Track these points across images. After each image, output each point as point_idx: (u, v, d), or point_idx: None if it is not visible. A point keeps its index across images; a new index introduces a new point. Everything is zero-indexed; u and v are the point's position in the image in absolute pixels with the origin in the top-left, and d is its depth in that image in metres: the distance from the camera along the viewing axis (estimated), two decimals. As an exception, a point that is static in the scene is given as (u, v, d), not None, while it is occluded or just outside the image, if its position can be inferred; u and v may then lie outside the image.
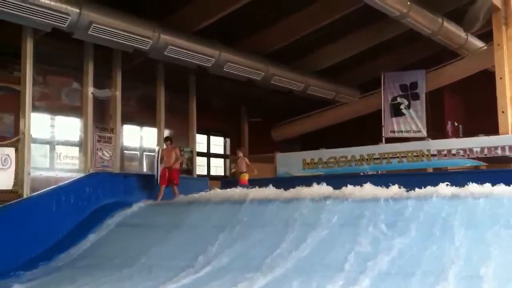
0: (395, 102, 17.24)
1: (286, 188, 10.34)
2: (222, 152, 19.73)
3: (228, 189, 11.59)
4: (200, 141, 18.18)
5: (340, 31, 16.43)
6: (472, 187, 8.53)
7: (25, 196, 10.69)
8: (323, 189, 9.87)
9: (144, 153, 13.23)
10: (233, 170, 13.70)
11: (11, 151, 10.61)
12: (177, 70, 14.67)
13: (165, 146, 12.94)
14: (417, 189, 8.88)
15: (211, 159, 19.19)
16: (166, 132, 15.14)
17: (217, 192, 11.47)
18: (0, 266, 9.27)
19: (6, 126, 12.73)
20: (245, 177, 13.72)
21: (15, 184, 10.63)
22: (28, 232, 10.11)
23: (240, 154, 14.16)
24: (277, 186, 10.77)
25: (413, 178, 11.44)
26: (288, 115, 20.49)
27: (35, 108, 11.66)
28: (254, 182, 11.20)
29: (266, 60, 15.99)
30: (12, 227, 9.85)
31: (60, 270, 9.30)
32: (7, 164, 10.48)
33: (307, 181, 10.46)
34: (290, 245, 8.20)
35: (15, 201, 10.42)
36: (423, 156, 14.22)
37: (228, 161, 19.52)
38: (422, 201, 8.32)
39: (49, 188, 11.09)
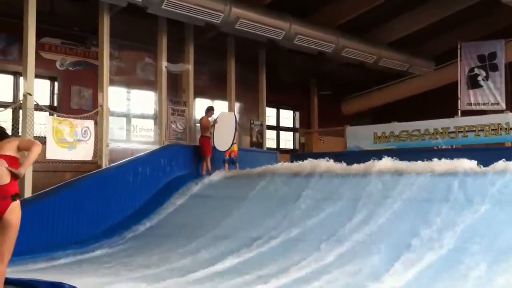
0: (472, 73, 16.52)
1: (356, 162, 10.19)
2: (291, 126, 19.74)
3: (297, 162, 11.59)
4: (270, 115, 18.25)
5: (413, 1, 15.89)
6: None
7: (104, 167, 11.11)
8: (395, 163, 9.69)
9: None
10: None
11: (90, 123, 11.02)
12: (248, 44, 14.72)
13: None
14: (495, 164, 8.57)
15: (281, 132, 19.25)
16: (237, 105, 15.31)
17: (286, 165, 11.51)
18: (81, 234, 9.79)
19: (86, 100, 13.33)
20: (235, 147, 13.12)
21: (94, 155, 11.05)
22: (107, 201, 10.54)
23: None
24: (347, 160, 10.66)
25: (491, 153, 11.05)
26: (359, 89, 20.14)
27: (112, 82, 12.07)
28: (323, 156, 11.15)
29: (336, 32, 15.75)
30: (92, 197, 10.27)
31: (137, 239, 9.67)
32: (87, 136, 10.90)
33: (378, 155, 10.29)
34: (359, 220, 8.17)
35: (94, 171, 10.86)
36: (501, 129, 13.69)
37: (297, 134, 19.52)
38: (500, 176, 8.04)
39: (126, 160, 11.52)
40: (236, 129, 12.89)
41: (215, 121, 12.83)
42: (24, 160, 5.03)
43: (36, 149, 5.04)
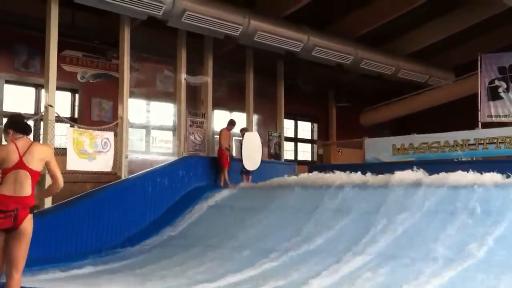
0: (493, 85, 16.36)
1: (375, 175, 10.15)
2: (309, 137, 19.72)
3: (315, 174, 11.55)
4: (288, 126, 18.26)
5: (433, 12, 15.83)
6: None
7: (123, 178, 11.21)
8: (415, 174, 9.61)
9: (233, 138, 13.48)
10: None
11: (110, 135, 11.14)
12: (266, 56, 14.78)
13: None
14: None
15: (299, 144, 19.23)
16: (255, 117, 15.35)
17: (304, 177, 11.49)
18: (99, 244, 9.87)
19: (106, 112, 13.49)
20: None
21: (114, 166, 11.14)
22: (126, 212, 10.63)
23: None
24: (366, 172, 10.60)
25: (512, 165, 10.89)
26: (378, 100, 20.05)
27: (132, 94, 12.18)
28: (342, 167, 11.10)
29: (355, 43, 15.74)
30: (111, 207, 10.37)
31: (155, 250, 9.71)
32: (107, 147, 11.01)
33: (397, 167, 10.22)
34: (377, 232, 8.11)
35: (114, 182, 10.94)
36: (522, 142, 13.48)
37: (315, 146, 19.48)
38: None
39: (145, 171, 11.60)
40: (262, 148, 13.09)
41: (241, 141, 12.91)
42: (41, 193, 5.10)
43: (54, 189, 5.38)
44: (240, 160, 12.79)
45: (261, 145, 13.21)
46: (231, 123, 13.24)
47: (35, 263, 8.50)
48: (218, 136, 13.24)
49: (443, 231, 7.60)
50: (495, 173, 8.78)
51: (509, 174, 8.77)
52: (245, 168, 12.73)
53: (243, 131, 13.21)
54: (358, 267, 7.23)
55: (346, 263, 7.37)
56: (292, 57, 14.95)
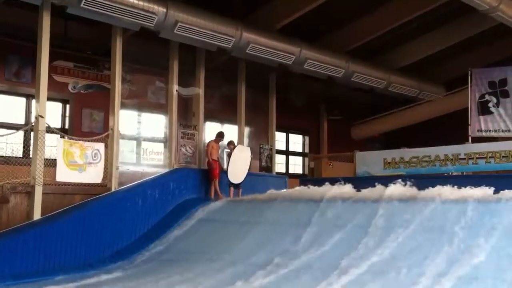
0: (483, 99, 16.48)
1: (365, 188, 10.14)
2: (301, 150, 19.72)
3: (307, 187, 11.53)
4: (279, 139, 18.27)
5: (424, 27, 15.97)
6: None
7: (113, 190, 11.13)
8: (405, 189, 9.62)
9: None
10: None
11: (101, 146, 11.07)
12: (258, 68, 14.81)
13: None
14: (506, 191, 8.47)
15: (290, 157, 19.23)
16: (247, 129, 15.34)
17: (295, 190, 11.47)
18: (88, 257, 9.78)
19: (97, 123, 13.42)
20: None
21: (104, 178, 11.08)
22: (116, 224, 10.53)
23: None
24: (357, 185, 10.59)
25: (502, 180, 10.93)
26: (369, 114, 20.14)
27: (123, 105, 12.13)
28: (333, 181, 11.10)
29: (347, 57, 15.82)
30: (101, 220, 10.28)
31: (144, 264, 9.63)
32: (97, 158, 10.95)
33: (388, 181, 10.22)
34: (367, 247, 8.08)
35: (104, 194, 10.86)
36: (512, 157, 13.55)
37: (307, 159, 19.49)
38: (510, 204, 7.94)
39: (135, 183, 11.52)
40: (250, 164, 13.08)
41: (230, 153, 12.86)
42: None
43: None
44: (226, 172, 12.72)
45: (250, 160, 13.18)
46: (220, 135, 13.21)
47: (23, 276, 8.43)
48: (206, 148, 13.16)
49: (434, 246, 7.59)
50: (485, 188, 8.79)
51: (498, 189, 8.78)
52: (230, 181, 12.69)
53: (230, 144, 13.17)
54: (349, 282, 7.19)
55: (337, 278, 7.33)
56: (284, 69, 14.98)
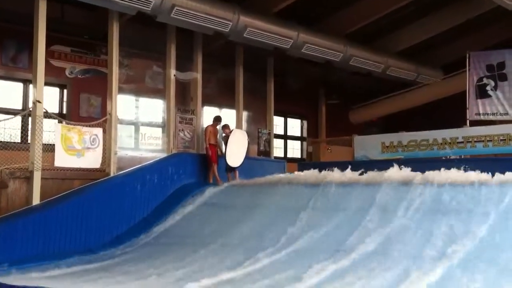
0: (481, 83, 16.47)
1: (364, 172, 10.18)
2: (299, 135, 19.73)
3: (305, 172, 11.55)
4: (278, 124, 18.26)
5: (422, 10, 15.91)
6: None
7: (112, 175, 11.13)
8: (403, 173, 9.64)
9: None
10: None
11: (99, 131, 11.06)
12: (256, 52, 14.75)
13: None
14: (504, 174, 8.50)
15: (288, 141, 19.24)
16: (245, 114, 15.32)
17: (294, 174, 11.49)
18: (88, 242, 9.80)
19: (95, 108, 13.39)
20: None
21: (102, 163, 11.08)
22: (115, 209, 10.53)
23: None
24: (355, 169, 10.60)
25: (500, 163, 10.98)
26: (367, 98, 20.11)
27: (120, 90, 12.09)
28: (331, 165, 11.12)
29: (345, 40, 15.76)
30: (100, 205, 10.28)
31: (144, 248, 9.66)
32: (96, 144, 10.94)
33: (386, 165, 10.25)
34: (367, 230, 8.13)
35: (102, 179, 10.86)
36: (510, 140, 13.60)
37: (305, 143, 19.51)
38: (507, 187, 7.98)
39: (134, 168, 11.52)
40: (248, 147, 13.04)
41: (226, 137, 12.79)
42: None
43: None
44: (224, 156, 12.67)
45: (247, 143, 13.06)
46: (217, 119, 13.10)
47: (23, 261, 8.47)
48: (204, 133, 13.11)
49: (431, 230, 7.64)
50: (482, 172, 8.81)
51: (496, 172, 8.81)
52: (229, 165, 12.66)
53: (225, 128, 13.04)
54: (347, 265, 7.25)
55: (336, 261, 7.38)
56: (282, 54, 14.93)
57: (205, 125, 13.76)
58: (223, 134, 12.97)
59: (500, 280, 6.20)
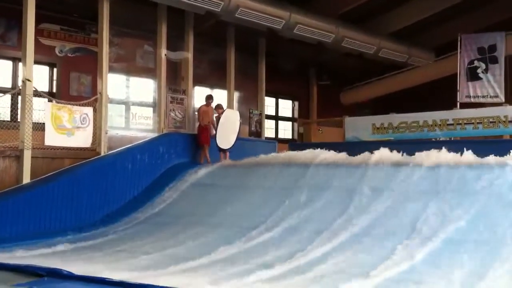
0: (472, 65, 16.55)
1: (354, 153, 10.20)
2: (290, 115, 19.74)
3: (296, 152, 11.57)
4: (269, 104, 18.25)
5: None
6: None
7: (102, 154, 11.11)
8: (394, 154, 9.68)
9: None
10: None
11: (89, 110, 11.02)
12: (248, 33, 14.68)
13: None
14: (492, 156, 8.57)
15: (280, 122, 19.26)
16: (236, 94, 15.29)
17: (285, 155, 11.51)
18: (79, 221, 9.81)
19: (85, 87, 13.32)
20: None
21: (93, 142, 11.05)
22: (106, 189, 10.56)
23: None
24: (345, 150, 10.63)
25: (489, 145, 11.07)
26: (358, 79, 20.13)
27: (111, 69, 12.02)
28: (322, 146, 11.16)
29: (337, 21, 15.71)
30: (90, 184, 10.29)
31: (135, 227, 9.65)
32: (86, 123, 10.90)
33: (376, 146, 10.29)
34: (355, 211, 8.20)
35: (93, 158, 10.85)
36: (499, 122, 13.70)
37: (296, 124, 19.53)
38: (496, 169, 8.04)
39: (125, 147, 11.51)
40: (239, 128, 12.96)
41: (219, 117, 12.70)
42: None
43: None
44: (215, 138, 12.62)
45: (239, 124, 12.95)
46: (209, 97, 12.92)
47: (13, 240, 8.48)
48: (197, 113, 13.06)
49: (420, 211, 7.70)
50: (471, 153, 8.87)
51: (485, 154, 8.88)
52: (218, 146, 12.62)
53: (218, 108, 12.94)
54: (337, 245, 7.32)
55: (326, 241, 7.45)
56: (274, 34, 14.86)
57: (196, 105, 13.72)
58: (216, 114, 12.89)
59: (488, 261, 6.27)
